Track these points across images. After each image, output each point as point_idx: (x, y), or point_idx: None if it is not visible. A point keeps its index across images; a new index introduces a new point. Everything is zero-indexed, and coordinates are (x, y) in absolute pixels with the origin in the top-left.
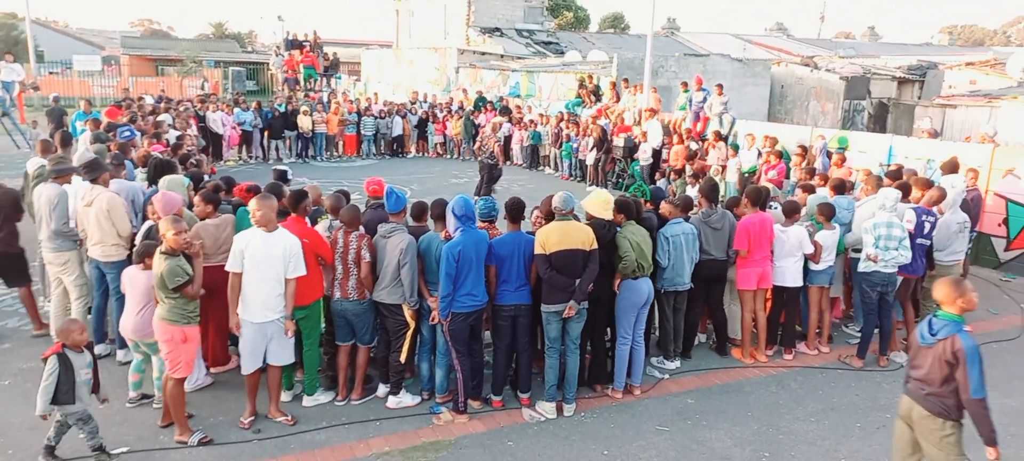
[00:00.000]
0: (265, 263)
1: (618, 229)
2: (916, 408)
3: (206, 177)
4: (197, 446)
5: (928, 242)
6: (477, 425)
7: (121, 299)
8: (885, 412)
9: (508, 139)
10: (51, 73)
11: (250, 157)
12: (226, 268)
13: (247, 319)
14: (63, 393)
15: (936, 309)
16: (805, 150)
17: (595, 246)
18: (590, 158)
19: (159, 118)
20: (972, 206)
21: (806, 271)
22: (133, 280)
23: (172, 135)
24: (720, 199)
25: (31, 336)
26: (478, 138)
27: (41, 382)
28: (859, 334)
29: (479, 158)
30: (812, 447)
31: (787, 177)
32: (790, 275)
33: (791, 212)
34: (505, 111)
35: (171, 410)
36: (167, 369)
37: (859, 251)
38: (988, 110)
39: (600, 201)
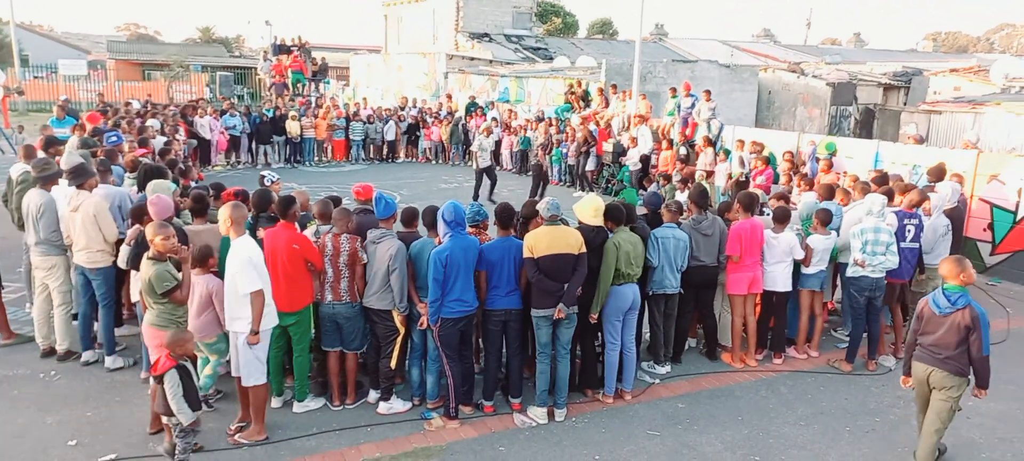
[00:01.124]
0: (227, 270)
1: (609, 235)
2: (935, 372)
3: (193, 183)
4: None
5: (916, 245)
6: (468, 430)
7: (108, 306)
8: (874, 416)
9: (498, 144)
10: (36, 77)
11: (238, 162)
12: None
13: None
14: (192, 401)
15: (942, 284)
16: (792, 156)
17: (584, 250)
18: (577, 160)
19: (147, 123)
20: (962, 209)
21: (797, 275)
22: (193, 284)
23: (159, 141)
24: (710, 204)
25: (2, 343)
26: (532, 150)
27: (169, 398)
28: (847, 338)
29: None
30: (802, 451)
31: (775, 182)
32: (780, 280)
33: (782, 219)
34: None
35: (161, 416)
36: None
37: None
38: (972, 116)
39: (590, 208)
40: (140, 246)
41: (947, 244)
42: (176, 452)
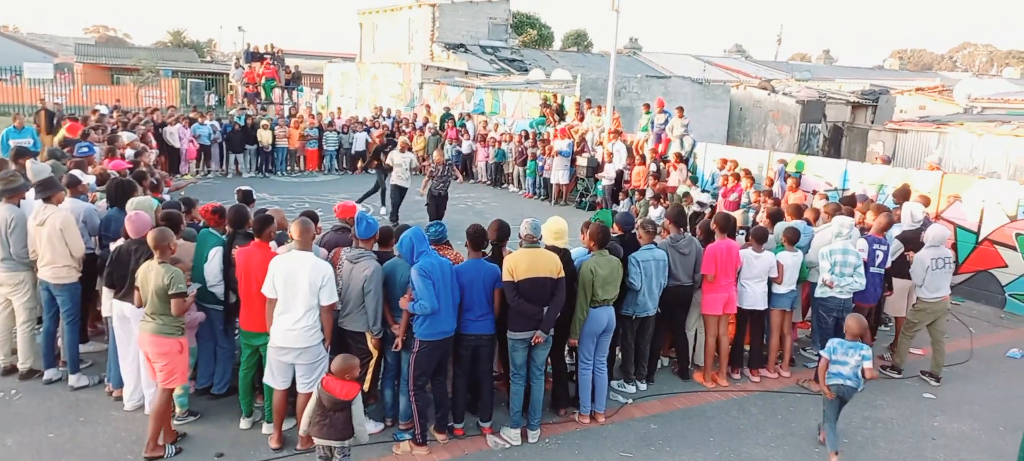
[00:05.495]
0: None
1: (587, 257)
2: None
3: (166, 196)
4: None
5: (881, 271)
6: (441, 453)
7: (73, 322)
8: (842, 437)
9: (471, 156)
10: (0, 80)
11: (208, 171)
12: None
13: None
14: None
15: None
16: (748, 172)
17: (562, 274)
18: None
19: (119, 134)
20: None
21: (770, 295)
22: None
23: (129, 152)
24: (686, 224)
25: None
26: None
27: (357, 421)
28: (817, 358)
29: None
30: None
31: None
32: (759, 298)
33: (761, 238)
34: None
35: (157, 422)
36: (161, 382)
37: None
38: (937, 136)
39: (553, 230)
40: (119, 262)
41: (945, 278)
42: None
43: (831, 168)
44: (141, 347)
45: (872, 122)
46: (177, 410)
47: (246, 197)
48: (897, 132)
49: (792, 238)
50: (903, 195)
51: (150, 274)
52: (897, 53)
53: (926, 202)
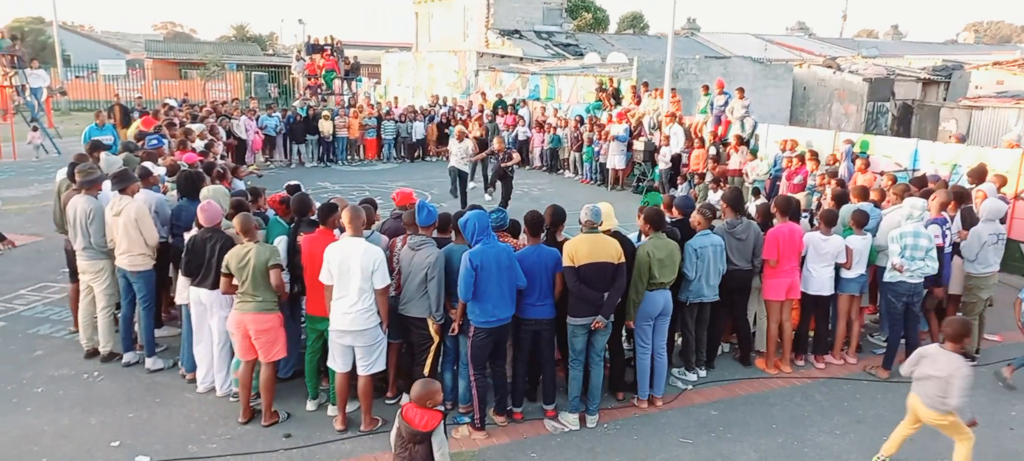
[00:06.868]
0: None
1: (643, 241)
2: None
3: (232, 184)
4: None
5: (948, 252)
6: (501, 436)
7: (149, 308)
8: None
9: (527, 142)
10: (78, 77)
11: (270, 161)
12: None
13: None
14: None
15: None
16: (815, 154)
17: (623, 260)
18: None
19: (189, 127)
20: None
21: (837, 279)
22: None
23: (199, 144)
24: (745, 208)
25: (69, 332)
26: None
27: (438, 454)
28: (884, 344)
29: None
30: None
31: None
32: (825, 283)
33: (832, 222)
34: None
35: (268, 394)
36: (264, 358)
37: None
38: (1016, 112)
39: (602, 214)
40: (194, 252)
41: (998, 253)
42: None
43: (900, 148)
44: (239, 328)
45: (945, 99)
46: None
47: (295, 190)
48: (972, 109)
49: (861, 221)
50: (979, 175)
51: (249, 255)
52: (972, 26)
53: (1003, 182)
